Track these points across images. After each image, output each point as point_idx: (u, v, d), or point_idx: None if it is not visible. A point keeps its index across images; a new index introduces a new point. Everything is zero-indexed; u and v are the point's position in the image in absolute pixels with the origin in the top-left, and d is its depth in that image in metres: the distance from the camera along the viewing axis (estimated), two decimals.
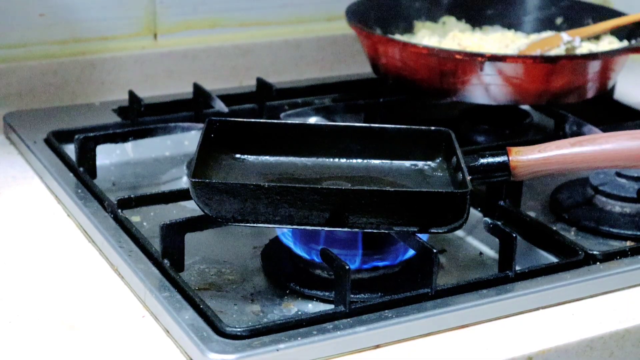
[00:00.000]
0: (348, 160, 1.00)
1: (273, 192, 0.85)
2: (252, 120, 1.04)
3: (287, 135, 1.00)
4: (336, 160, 1.00)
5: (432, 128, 1.00)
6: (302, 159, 1.00)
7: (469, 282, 0.90)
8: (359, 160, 1.00)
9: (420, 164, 0.99)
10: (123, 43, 1.37)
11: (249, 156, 0.99)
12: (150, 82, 1.37)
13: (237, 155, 0.99)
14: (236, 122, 1.00)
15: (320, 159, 1.00)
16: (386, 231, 0.90)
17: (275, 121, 1.05)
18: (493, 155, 0.95)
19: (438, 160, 0.99)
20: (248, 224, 0.87)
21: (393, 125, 1.01)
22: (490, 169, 0.95)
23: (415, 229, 0.88)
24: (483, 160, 0.95)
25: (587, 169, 0.98)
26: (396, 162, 1.00)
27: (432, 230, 0.88)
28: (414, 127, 1.01)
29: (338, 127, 1.01)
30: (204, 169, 0.92)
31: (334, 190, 0.89)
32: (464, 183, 0.89)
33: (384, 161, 1.00)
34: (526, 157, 0.95)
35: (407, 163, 1.00)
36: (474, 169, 0.94)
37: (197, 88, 1.27)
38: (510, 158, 0.95)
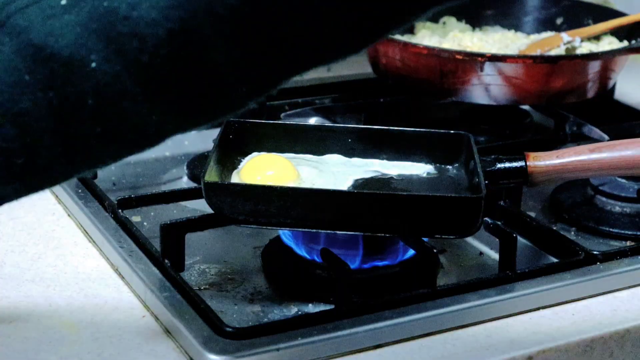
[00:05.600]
0: (365, 162, 0.99)
1: (285, 194, 0.85)
2: (271, 122, 1.04)
3: (306, 136, 1.00)
4: (354, 161, 0.99)
5: (451, 132, 1.00)
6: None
7: (469, 282, 0.90)
8: (377, 162, 1.00)
9: (439, 167, 0.99)
10: None
11: None
12: None
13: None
14: (255, 124, 1.00)
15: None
16: (397, 236, 0.89)
17: (294, 123, 1.05)
18: (510, 160, 0.95)
19: (457, 164, 0.99)
20: (260, 226, 0.87)
21: (411, 129, 1.01)
22: (507, 174, 0.95)
23: (428, 234, 0.88)
24: (500, 165, 0.95)
25: (606, 175, 0.98)
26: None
27: (445, 236, 0.88)
28: (432, 130, 1.00)
29: (356, 129, 1.01)
30: (218, 170, 0.92)
31: (346, 193, 0.89)
32: (478, 188, 0.89)
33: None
34: (544, 163, 0.95)
35: (425, 166, 1.00)
36: (491, 174, 0.94)
37: None
38: (527, 163, 0.95)
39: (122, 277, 0.92)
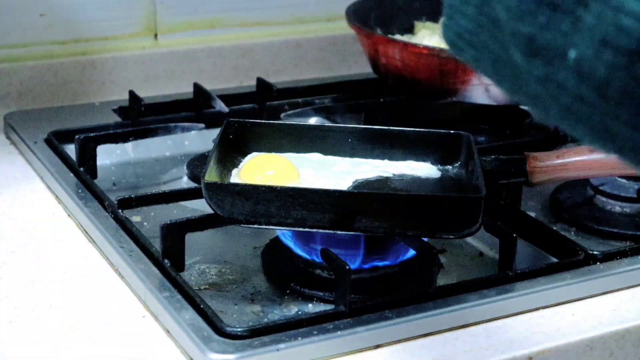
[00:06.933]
0: (366, 162, 0.99)
1: (285, 194, 0.85)
2: (271, 122, 1.04)
3: (305, 136, 1.00)
4: (354, 161, 0.99)
5: (452, 132, 1.00)
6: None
7: (469, 282, 0.90)
8: (377, 162, 0.99)
9: (439, 167, 0.99)
10: (123, 43, 1.37)
11: None
12: (150, 82, 1.37)
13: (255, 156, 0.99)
14: (255, 124, 1.00)
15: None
16: (397, 236, 0.89)
17: (294, 123, 1.05)
18: (510, 161, 0.95)
19: (457, 164, 0.99)
20: (260, 226, 0.87)
21: (411, 129, 1.01)
22: (507, 174, 0.95)
23: (428, 234, 0.88)
24: (500, 166, 0.95)
25: (606, 175, 0.98)
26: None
27: (445, 236, 0.88)
28: (432, 130, 1.00)
29: (356, 129, 1.01)
30: (218, 170, 0.92)
31: (346, 193, 0.89)
32: (478, 188, 0.89)
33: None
34: (544, 163, 0.95)
35: (425, 166, 0.99)
36: (491, 174, 0.94)
37: (198, 88, 1.27)
38: (528, 163, 0.95)
39: (122, 277, 0.92)
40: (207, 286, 0.93)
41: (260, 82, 1.29)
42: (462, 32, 0.63)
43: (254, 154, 0.99)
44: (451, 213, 0.86)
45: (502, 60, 0.60)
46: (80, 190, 1.05)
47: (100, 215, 1.00)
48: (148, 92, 1.30)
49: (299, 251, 0.94)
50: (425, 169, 0.99)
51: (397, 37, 1.35)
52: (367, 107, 1.25)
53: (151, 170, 1.20)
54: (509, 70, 0.60)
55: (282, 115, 1.25)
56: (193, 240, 0.95)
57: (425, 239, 0.91)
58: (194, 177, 1.15)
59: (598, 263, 0.95)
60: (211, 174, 0.89)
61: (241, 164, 0.96)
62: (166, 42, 1.40)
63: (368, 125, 1.10)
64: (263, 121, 1.05)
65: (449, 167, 0.99)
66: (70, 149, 1.13)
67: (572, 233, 1.05)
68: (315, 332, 0.82)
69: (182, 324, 0.82)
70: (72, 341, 0.82)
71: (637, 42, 0.52)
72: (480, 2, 0.60)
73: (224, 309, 0.89)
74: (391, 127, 1.01)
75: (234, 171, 0.95)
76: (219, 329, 0.81)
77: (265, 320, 0.88)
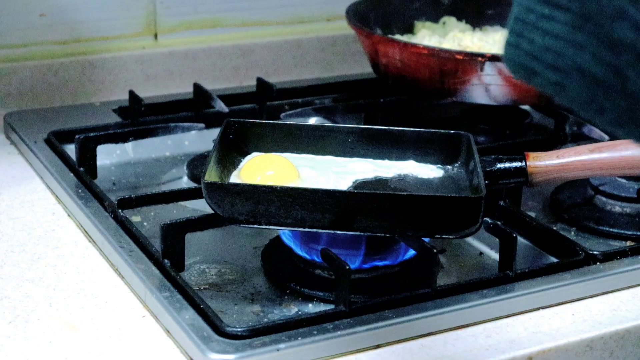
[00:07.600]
0: (366, 162, 0.99)
1: (285, 194, 0.85)
2: (271, 122, 1.04)
3: (305, 136, 1.00)
4: (354, 161, 0.99)
5: (452, 132, 1.00)
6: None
7: (469, 282, 0.90)
8: (377, 162, 0.99)
9: (439, 167, 0.99)
10: (123, 43, 1.37)
11: None
12: (150, 82, 1.37)
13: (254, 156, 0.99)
14: (255, 124, 1.00)
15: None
16: (397, 236, 0.89)
17: (294, 123, 1.05)
18: (510, 161, 0.95)
19: (457, 164, 0.99)
20: (260, 226, 0.87)
21: (412, 129, 1.01)
22: (507, 174, 0.95)
23: (428, 234, 0.88)
24: (500, 165, 0.95)
25: (606, 175, 0.98)
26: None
27: (445, 236, 0.88)
28: (433, 130, 1.00)
29: (356, 129, 1.01)
30: (218, 170, 0.92)
31: (346, 193, 0.89)
32: (478, 188, 0.89)
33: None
34: (544, 163, 0.95)
35: (425, 166, 0.99)
36: (491, 174, 0.94)
37: (198, 88, 1.27)
38: (527, 163, 0.95)
39: (122, 277, 0.92)
40: (207, 286, 0.93)
41: (260, 82, 1.29)
42: (539, 53, 0.55)
43: (254, 154, 0.99)
44: (451, 213, 0.86)
45: (612, 88, 0.52)
46: (80, 190, 1.05)
47: (100, 215, 1.00)
48: (148, 92, 1.30)
49: (299, 251, 0.94)
50: (425, 169, 0.99)
51: (397, 37, 1.35)
52: (367, 107, 1.25)
53: (151, 170, 1.20)
54: (622, 100, 0.52)
55: (282, 115, 1.25)
56: (193, 240, 0.95)
57: (425, 239, 0.91)
58: (194, 177, 1.15)
59: (598, 263, 0.95)
60: (211, 174, 0.89)
61: (241, 164, 0.96)
62: (166, 42, 1.40)
63: (368, 125, 1.10)
64: (263, 121, 1.05)
65: (449, 167, 0.99)
66: (70, 149, 1.13)
67: (572, 233, 1.05)
68: (315, 332, 0.82)
69: (182, 324, 0.82)
70: (72, 341, 0.82)
71: None
72: (579, 19, 0.53)
73: (224, 309, 0.89)
74: (391, 127, 1.01)
75: (234, 171, 0.95)
76: (219, 329, 0.81)
77: (265, 320, 0.88)
